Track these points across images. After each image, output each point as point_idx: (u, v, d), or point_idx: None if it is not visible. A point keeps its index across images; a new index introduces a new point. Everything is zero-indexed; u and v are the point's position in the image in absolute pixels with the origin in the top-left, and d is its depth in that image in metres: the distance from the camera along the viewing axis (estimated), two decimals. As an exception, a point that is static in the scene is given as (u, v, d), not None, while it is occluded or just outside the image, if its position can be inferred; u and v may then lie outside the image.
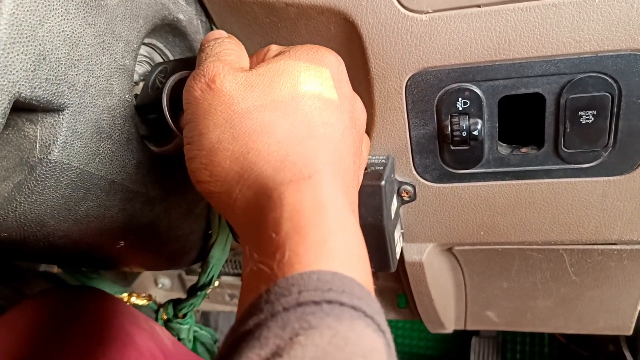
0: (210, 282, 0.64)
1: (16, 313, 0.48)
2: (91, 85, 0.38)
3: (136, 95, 0.48)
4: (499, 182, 0.53)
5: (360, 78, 0.50)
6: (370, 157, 0.53)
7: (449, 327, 0.79)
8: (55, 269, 0.73)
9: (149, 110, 0.47)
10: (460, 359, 1.21)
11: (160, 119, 0.45)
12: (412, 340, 1.34)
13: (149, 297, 0.73)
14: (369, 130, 0.53)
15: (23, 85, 0.33)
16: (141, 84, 0.49)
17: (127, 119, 0.43)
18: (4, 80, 0.31)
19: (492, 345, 1.22)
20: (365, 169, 0.51)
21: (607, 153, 0.48)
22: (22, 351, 0.44)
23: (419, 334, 1.34)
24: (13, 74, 0.32)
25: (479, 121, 0.48)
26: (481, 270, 0.66)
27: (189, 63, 0.46)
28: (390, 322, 1.34)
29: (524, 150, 0.51)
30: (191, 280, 0.97)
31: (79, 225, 0.43)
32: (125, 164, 0.44)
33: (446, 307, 0.74)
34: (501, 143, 0.51)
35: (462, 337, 1.28)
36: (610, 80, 0.45)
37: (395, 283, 0.74)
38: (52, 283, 0.96)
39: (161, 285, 0.95)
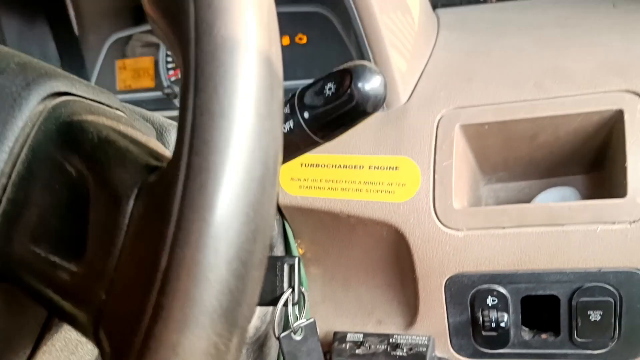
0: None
1: None
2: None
3: None
4: (523, 361, 0.56)
5: (408, 275, 0.59)
6: (414, 336, 0.61)
7: None
8: None
9: None
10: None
11: None
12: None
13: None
14: (412, 318, 0.61)
15: None
16: None
17: None
18: None
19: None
20: (410, 349, 0.59)
21: (614, 343, 0.55)
22: None
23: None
24: None
25: (506, 314, 0.56)
26: None
27: (267, 262, 0.51)
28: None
29: (544, 336, 0.58)
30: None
31: None
32: None
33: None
34: (524, 328, 0.58)
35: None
36: (612, 289, 0.52)
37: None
38: None
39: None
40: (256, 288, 0.24)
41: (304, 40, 0.70)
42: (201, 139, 0.22)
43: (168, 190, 0.22)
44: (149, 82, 0.76)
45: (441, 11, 0.78)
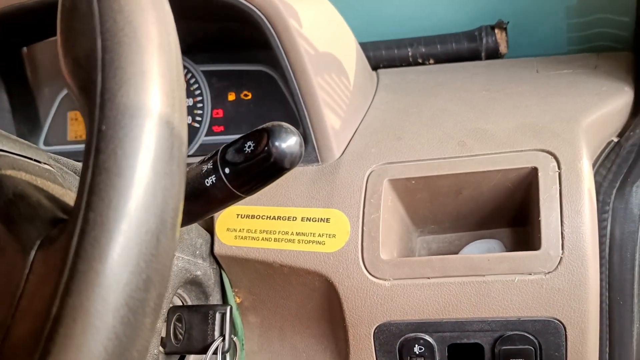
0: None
1: None
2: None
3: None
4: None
5: (339, 324, 0.61)
6: None
7: None
8: None
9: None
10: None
11: None
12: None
13: None
14: None
15: None
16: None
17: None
18: None
19: None
20: None
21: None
22: None
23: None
24: None
25: (432, 363, 0.58)
26: None
27: (200, 311, 0.56)
28: None
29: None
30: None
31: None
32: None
33: None
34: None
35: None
36: (532, 337, 0.55)
37: None
38: None
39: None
40: (148, 334, 0.26)
41: (249, 97, 0.74)
42: (97, 196, 0.24)
43: (64, 242, 0.24)
44: (99, 133, 0.78)
45: (382, 71, 0.83)
